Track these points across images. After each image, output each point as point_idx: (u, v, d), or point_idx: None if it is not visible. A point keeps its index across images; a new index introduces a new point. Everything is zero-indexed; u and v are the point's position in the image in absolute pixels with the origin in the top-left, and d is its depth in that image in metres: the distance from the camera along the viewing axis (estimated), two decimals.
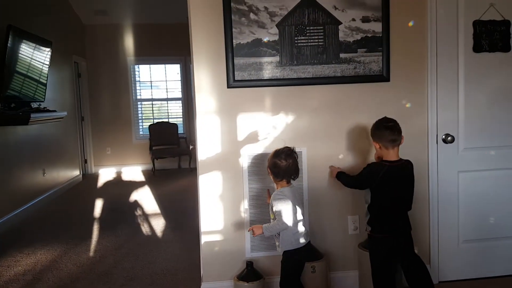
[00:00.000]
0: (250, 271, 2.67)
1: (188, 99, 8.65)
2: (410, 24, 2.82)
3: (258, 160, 2.78)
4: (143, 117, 8.70)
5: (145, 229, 4.51)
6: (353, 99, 2.82)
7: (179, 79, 8.68)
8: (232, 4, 2.68)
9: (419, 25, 2.83)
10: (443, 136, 2.90)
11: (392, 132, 2.39)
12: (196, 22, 2.68)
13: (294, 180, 2.50)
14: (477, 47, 2.87)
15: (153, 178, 7.55)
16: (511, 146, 2.97)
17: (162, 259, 3.61)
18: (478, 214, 2.97)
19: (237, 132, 2.77)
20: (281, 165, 2.41)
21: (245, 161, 2.78)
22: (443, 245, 2.95)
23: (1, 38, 4.62)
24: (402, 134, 2.45)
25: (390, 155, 2.42)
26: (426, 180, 2.91)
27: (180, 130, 8.65)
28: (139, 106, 8.60)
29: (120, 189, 6.78)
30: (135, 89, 8.49)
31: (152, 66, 8.59)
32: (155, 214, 5.07)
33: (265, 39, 2.72)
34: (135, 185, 7.02)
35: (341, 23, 2.75)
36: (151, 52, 8.28)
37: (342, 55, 2.77)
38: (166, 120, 8.68)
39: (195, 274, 3.21)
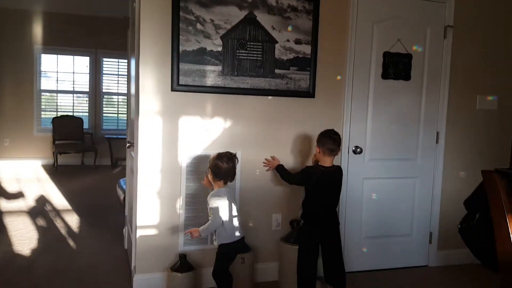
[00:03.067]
0: (183, 263, 2.87)
1: (96, 93, 8.43)
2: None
3: (196, 161, 2.99)
4: (46, 109, 8.28)
5: (59, 224, 4.41)
6: (284, 111, 3.17)
7: (88, 72, 8.43)
8: (181, 13, 2.87)
9: (340, 52, 3.27)
10: (353, 148, 3.38)
11: (334, 142, 2.80)
12: (145, 24, 2.83)
13: (230, 182, 2.78)
14: (385, 75, 3.40)
15: (56, 174, 7.24)
16: (406, 159, 3.55)
17: (86, 253, 3.62)
18: (377, 215, 3.51)
19: (178, 134, 2.95)
20: (222, 167, 2.67)
21: (184, 161, 2.97)
22: (348, 240, 3.42)
23: None
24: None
25: (326, 161, 2.81)
26: None
27: (85, 125, 8.40)
28: (42, 97, 8.17)
29: (22, 183, 6.41)
30: (39, 79, 8.06)
31: (60, 56, 8.23)
32: (66, 210, 4.96)
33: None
34: (38, 180, 6.69)
35: (278, 42, 3.09)
36: (59, 42, 7.95)
37: (277, 71, 3.11)
38: (70, 113, 8.36)
39: (122, 267, 3.31)
